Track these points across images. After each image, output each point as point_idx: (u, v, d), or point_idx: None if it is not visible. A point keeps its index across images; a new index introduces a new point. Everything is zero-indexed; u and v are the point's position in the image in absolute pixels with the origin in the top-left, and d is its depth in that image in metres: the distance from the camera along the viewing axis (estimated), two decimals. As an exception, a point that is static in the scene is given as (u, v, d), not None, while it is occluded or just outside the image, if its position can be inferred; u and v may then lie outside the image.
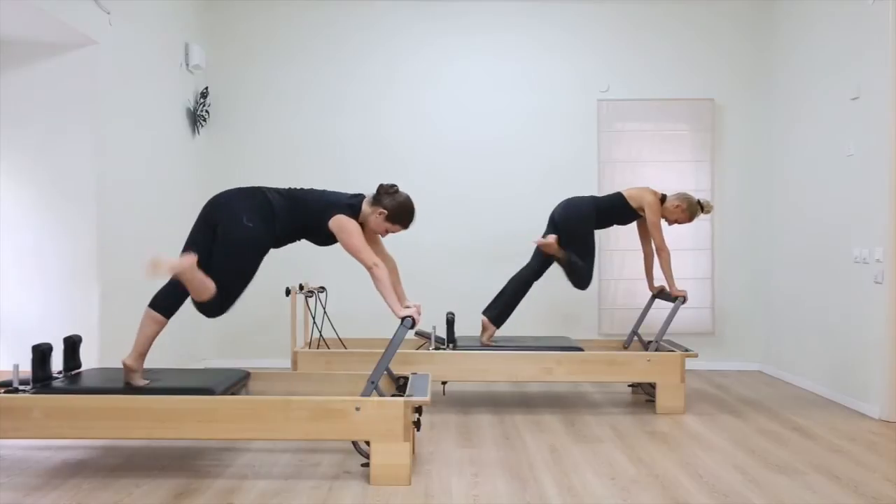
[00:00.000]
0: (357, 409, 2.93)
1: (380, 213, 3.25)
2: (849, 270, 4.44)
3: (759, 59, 5.70)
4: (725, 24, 5.71)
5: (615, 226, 4.90)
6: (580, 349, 4.26)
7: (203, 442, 3.61)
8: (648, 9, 5.71)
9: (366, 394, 3.06)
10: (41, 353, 3.18)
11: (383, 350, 3.53)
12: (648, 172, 5.67)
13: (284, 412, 2.93)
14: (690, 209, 4.49)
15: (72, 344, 3.38)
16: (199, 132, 5.52)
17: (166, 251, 4.97)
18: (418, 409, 3.23)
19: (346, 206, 3.24)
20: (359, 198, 3.30)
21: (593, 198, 4.55)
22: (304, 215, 3.22)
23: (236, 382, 3.32)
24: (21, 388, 3.08)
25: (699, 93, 5.71)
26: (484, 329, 4.52)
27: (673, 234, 5.65)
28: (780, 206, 5.41)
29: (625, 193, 4.54)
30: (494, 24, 5.73)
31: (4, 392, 3.05)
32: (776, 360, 5.45)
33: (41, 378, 3.17)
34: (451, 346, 4.33)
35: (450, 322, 4.35)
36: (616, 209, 4.53)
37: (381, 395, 3.08)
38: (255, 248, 3.14)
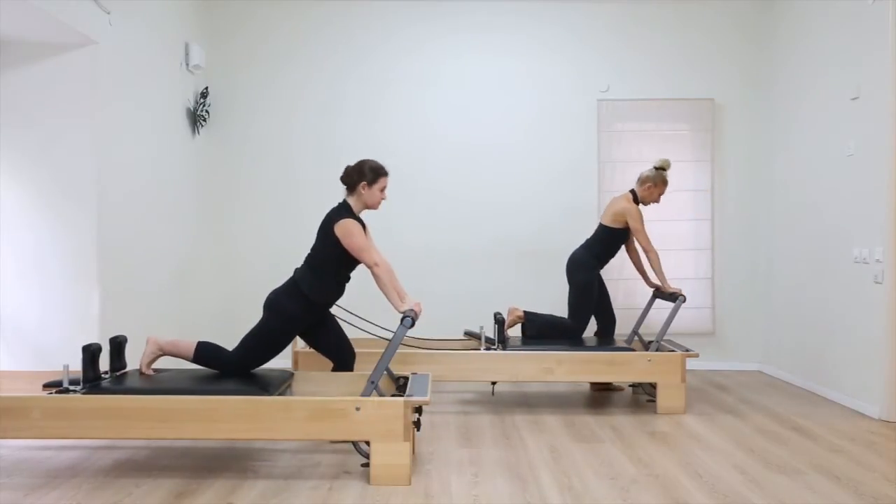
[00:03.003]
0: (357, 409, 2.93)
1: (363, 188, 3.40)
2: (849, 270, 4.44)
3: (759, 58, 5.70)
4: (725, 23, 5.71)
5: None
6: (631, 349, 4.28)
7: (203, 442, 3.61)
8: (648, 8, 5.71)
9: (366, 394, 3.06)
10: (91, 354, 3.21)
11: (383, 350, 3.53)
12: (648, 172, 5.66)
13: (284, 412, 2.93)
14: (657, 178, 4.62)
15: (117, 345, 3.40)
16: (199, 132, 5.52)
17: (165, 250, 4.97)
18: (418, 409, 3.24)
19: (338, 211, 3.41)
20: (344, 201, 3.47)
21: (586, 245, 4.71)
22: (320, 252, 3.39)
23: (283, 382, 3.34)
24: (71, 388, 3.10)
25: (699, 93, 5.71)
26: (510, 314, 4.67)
27: (673, 235, 5.66)
28: (780, 206, 5.41)
29: (605, 221, 4.67)
30: (494, 24, 5.73)
31: (56, 392, 3.07)
32: (776, 360, 5.45)
33: (91, 378, 3.19)
34: (500, 345, 4.34)
35: (500, 322, 4.37)
36: (608, 240, 4.66)
37: (381, 395, 3.08)
38: (277, 329, 3.38)
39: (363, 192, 3.41)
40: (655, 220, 5.66)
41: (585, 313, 4.61)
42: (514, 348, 4.29)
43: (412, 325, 3.09)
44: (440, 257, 5.71)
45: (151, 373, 3.41)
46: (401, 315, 3.13)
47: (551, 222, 5.70)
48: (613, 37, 5.72)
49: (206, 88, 5.54)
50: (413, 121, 5.73)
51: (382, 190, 3.45)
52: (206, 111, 5.56)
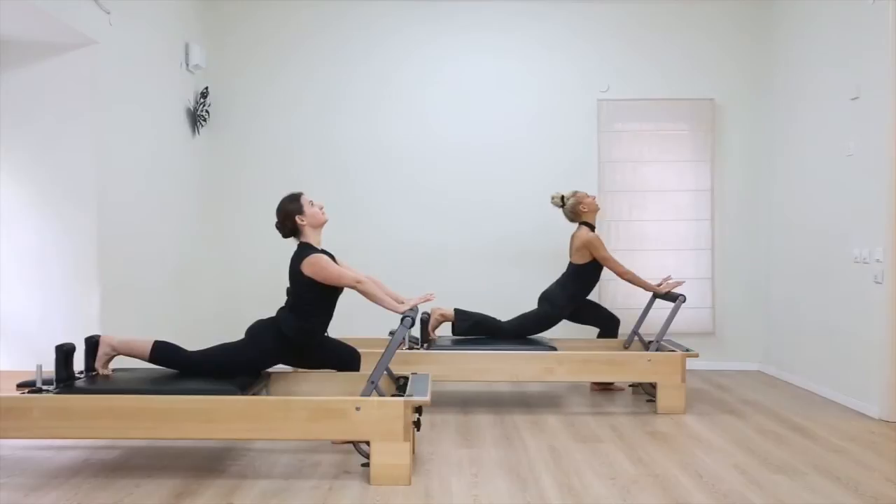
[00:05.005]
0: (357, 409, 2.93)
1: (300, 220, 3.40)
2: (849, 270, 4.44)
3: (760, 58, 5.70)
4: (726, 23, 5.70)
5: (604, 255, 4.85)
6: (553, 348, 4.26)
7: (203, 442, 3.62)
8: (649, 8, 5.71)
9: (366, 394, 3.06)
10: (65, 353, 3.19)
11: (383, 350, 3.53)
12: (648, 172, 5.67)
13: (284, 412, 2.93)
14: (577, 199, 4.70)
15: (93, 344, 3.37)
16: (199, 132, 5.52)
17: (165, 250, 4.97)
18: (418, 409, 3.24)
19: (300, 252, 3.38)
20: (300, 243, 3.45)
21: (561, 283, 4.69)
22: (301, 298, 3.35)
23: (259, 382, 3.34)
24: (45, 388, 3.08)
25: (699, 93, 5.71)
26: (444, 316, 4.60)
27: (673, 235, 5.66)
28: (780, 206, 5.41)
29: (573, 260, 4.68)
30: (494, 23, 5.73)
31: (29, 392, 3.06)
32: (776, 360, 5.45)
33: (64, 378, 3.17)
34: (424, 345, 4.35)
35: (423, 322, 4.36)
36: (580, 277, 4.65)
37: (381, 395, 3.08)
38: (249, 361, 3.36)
39: (303, 222, 3.40)
40: (655, 220, 5.66)
41: (527, 333, 4.61)
42: (441, 348, 4.30)
43: (412, 325, 3.09)
44: (439, 256, 5.71)
45: (109, 373, 3.36)
46: (401, 312, 3.15)
47: (551, 222, 5.70)
48: (613, 37, 5.72)
49: (206, 88, 5.54)
50: (413, 120, 5.73)
51: (312, 204, 3.44)
52: (206, 111, 5.56)
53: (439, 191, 5.72)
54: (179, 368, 3.35)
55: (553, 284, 4.73)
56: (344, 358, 3.56)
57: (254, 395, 3.21)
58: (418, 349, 4.30)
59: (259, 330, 3.37)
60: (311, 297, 3.34)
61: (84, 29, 3.91)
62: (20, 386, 3.20)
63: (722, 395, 4.77)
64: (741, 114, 5.71)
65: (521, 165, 5.72)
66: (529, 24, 5.73)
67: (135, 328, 4.48)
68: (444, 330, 5.36)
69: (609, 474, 3.13)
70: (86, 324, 4.06)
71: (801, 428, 3.93)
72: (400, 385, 3.44)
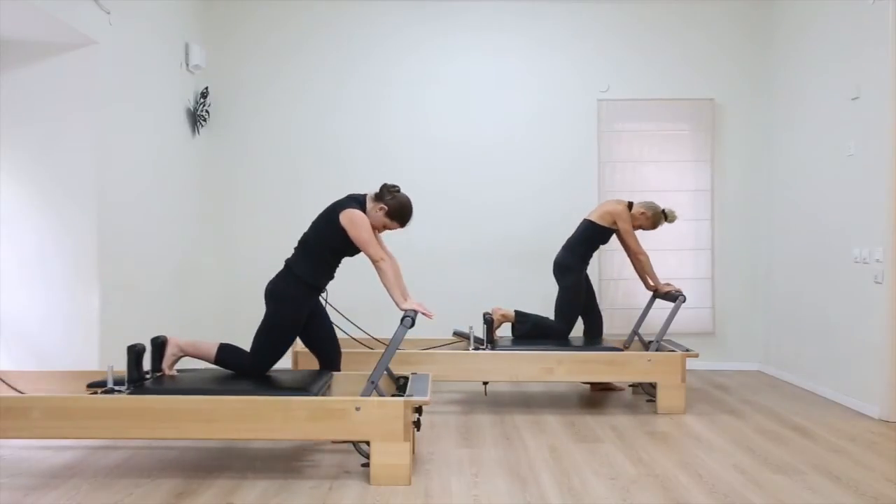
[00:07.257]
0: (357, 409, 2.93)
1: (380, 209, 3.40)
2: (849, 270, 4.44)
3: (760, 58, 5.70)
4: (726, 23, 5.71)
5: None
6: (618, 349, 4.26)
7: (203, 442, 3.62)
8: (649, 8, 5.71)
9: (366, 394, 3.06)
10: (136, 354, 3.21)
11: (383, 350, 3.53)
12: (648, 172, 5.67)
13: (284, 412, 2.93)
14: (654, 217, 4.64)
15: (159, 345, 3.39)
16: (199, 132, 5.52)
17: (165, 250, 4.97)
18: (418, 409, 3.24)
19: (352, 200, 3.40)
20: (362, 196, 3.46)
21: (569, 247, 4.67)
22: (318, 236, 3.38)
23: (326, 382, 3.34)
24: (117, 388, 3.11)
25: (699, 93, 5.71)
26: (504, 317, 4.62)
27: (673, 235, 5.66)
28: (780, 206, 5.41)
29: (592, 218, 4.65)
30: (494, 23, 5.73)
31: (102, 392, 3.08)
32: (776, 360, 5.45)
33: (136, 378, 3.19)
34: (489, 346, 4.34)
35: (489, 323, 4.36)
36: (591, 237, 4.64)
37: (381, 395, 3.09)
38: (286, 322, 3.38)
39: (378, 212, 3.39)
40: (655, 220, 5.66)
41: (572, 315, 4.60)
42: (504, 348, 4.30)
43: (412, 324, 3.09)
44: (439, 257, 5.71)
45: (175, 373, 3.41)
46: (402, 314, 3.14)
47: (551, 222, 5.70)
48: (613, 37, 5.72)
49: (206, 88, 5.54)
50: (413, 120, 5.73)
51: (387, 227, 3.44)
52: (206, 111, 5.56)
53: (439, 190, 5.72)
54: (240, 370, 3.39)
55: (562, 251, 4.70)
56: (330, 346, 3.55)
57: (322, 395, 3.20)
58: (483, 349, 4.30)
59: (276, 285, 3.39)
60: (326, 243, 3.36)
61: (84, 29, 3.91)
62: (91, 386, 3.23)
63: (722, 395, 4.77)
64: (741, 114, 5.71)
65: (520, 165, 5.72)
66: (529, 24, 5.73)
67: (135, 328, 4.48)
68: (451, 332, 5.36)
69: (609, 474, 3.13)
70: (86, 324, 4.06)
71: (800, 428, 3.93)
72: (400, 385, 3.44)
